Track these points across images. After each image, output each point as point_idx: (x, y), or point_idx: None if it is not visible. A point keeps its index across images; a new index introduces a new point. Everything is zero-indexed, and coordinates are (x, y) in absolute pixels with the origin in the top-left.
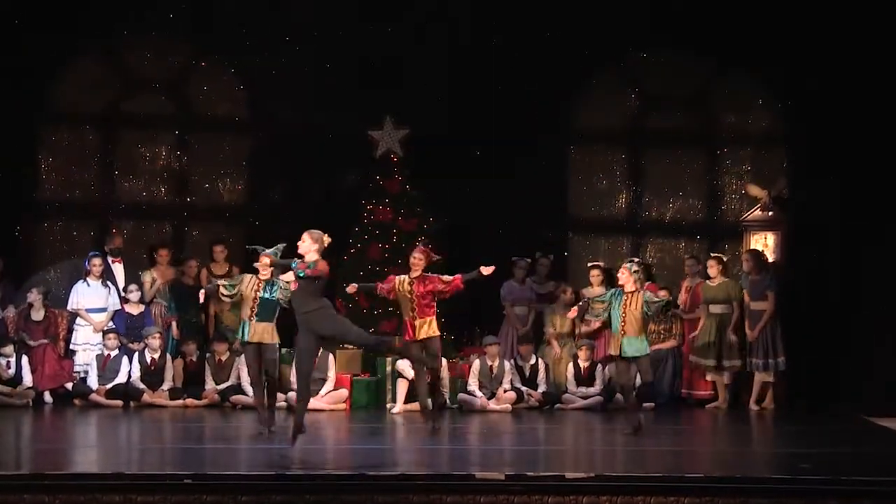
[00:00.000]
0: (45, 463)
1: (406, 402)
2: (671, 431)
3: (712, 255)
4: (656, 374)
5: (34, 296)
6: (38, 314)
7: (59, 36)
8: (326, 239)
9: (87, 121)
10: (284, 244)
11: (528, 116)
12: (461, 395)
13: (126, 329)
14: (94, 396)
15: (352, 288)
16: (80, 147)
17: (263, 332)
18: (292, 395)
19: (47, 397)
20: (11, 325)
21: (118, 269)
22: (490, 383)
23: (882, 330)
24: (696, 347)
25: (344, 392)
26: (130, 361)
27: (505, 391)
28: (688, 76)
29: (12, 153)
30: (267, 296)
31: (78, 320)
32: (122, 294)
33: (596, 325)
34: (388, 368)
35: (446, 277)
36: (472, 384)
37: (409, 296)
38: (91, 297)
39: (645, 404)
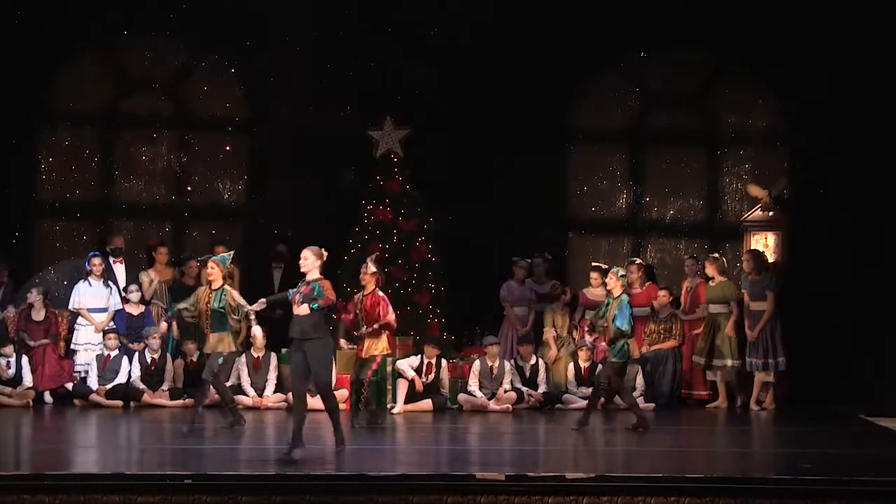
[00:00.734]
0: (45, 463)
1: (406, 402)
2: (671, 432)
3: (709, 255)
4: (656, 375)
5: (34, 296)
6: (38, 314)
7: (59, 36)
8: (325, 253)
9: (87, 121)
10: (233, 251)
11: (528, 116)
12: (461, 396)
13: (126, 329)
14: (94, 397)
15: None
16: (79, 147)
17: (218, 342)
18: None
19: (47, 397)
20: (12, 325)
21: (119, 270)
22: (490, 383)
23: (882, 331)
24: (696, 347)
25: (344, 392)
26: (130, 362)
27: (505, 391)
28: (688, 76)
29: (12, 153)
30: (215, 306)
31: (79, 320)
32: (123, 294)
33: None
34: (389, 368)
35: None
36: (473, 384)
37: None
38: (92, 297)
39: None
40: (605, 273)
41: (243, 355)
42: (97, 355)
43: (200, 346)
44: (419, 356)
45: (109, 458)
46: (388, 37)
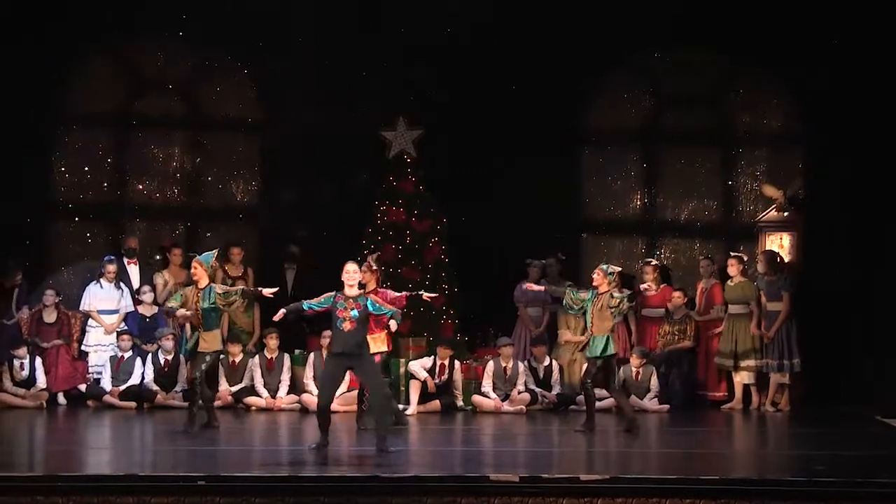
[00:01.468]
0: (59, 464)
1: (420, 403)
2: (686, 433)
3: (732, 254)
4: (670, 376)
5: (47, 298)
6: (50, 316)
7: (72, 37)
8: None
9: (100, 122)
10: (217, 249)
11: (541, 117)
12: (475, 397)
13: (139, 330)
14: (107, 398)
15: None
16: (92, 148)
17: (208, 342)
18: (306, 396)
19: (61, 399)
20: (25, 326)
21: (133, 271)
22: (504, 385)
23: None
24: (718, 349)
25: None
26: (144, 363)
27: (519, 393)
28: (702, 76)
29: (25, 155)
30: (205, 305)
31: (90, 322)
32: (136, 295)
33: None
34: (402, 370)
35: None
36: (486, 385)
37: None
38: (103, 298)
39: (660, 406)
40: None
41: (256, 356)
42: (111, 357)
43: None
44: (432, 357)
45: (123, 460)
46: (400, 37)
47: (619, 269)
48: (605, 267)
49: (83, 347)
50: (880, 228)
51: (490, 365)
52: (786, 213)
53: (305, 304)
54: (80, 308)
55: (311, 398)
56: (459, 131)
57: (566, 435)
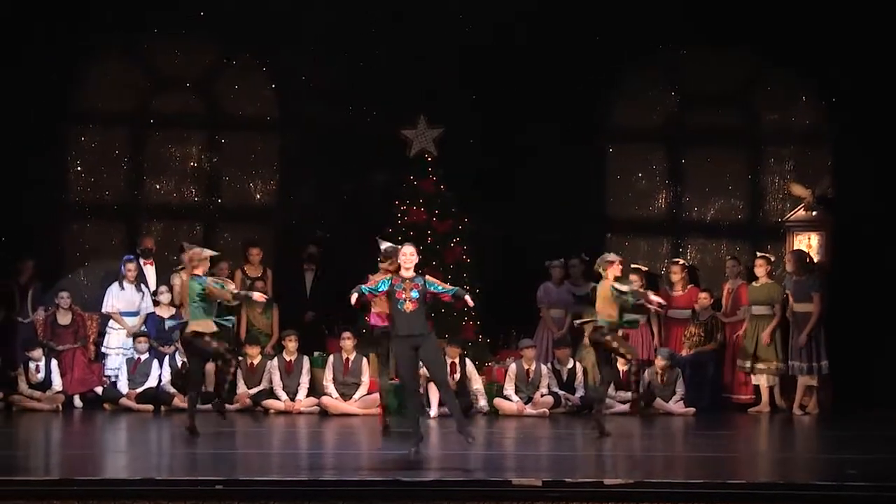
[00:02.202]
0: (75, 468)
1: (440, 406)
2: (712, 436)
3: (759, 254)
4: (696, 378)
5: (60, 300)
6: (65, 318)
7: (88, 35)
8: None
9: (117, 121)
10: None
11: (565, 115)
12: (497, 400)
13: (156, 332)
14: (124, 401)
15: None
16: (109, 147)
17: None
18: (326, 399)
19: (77, 401)
20: (41, 329)
21: (150, 272)
22: (527, 387)
23: None
24: (740, 351)
25: (377, 396)
26: (161, 365)
27: (542, 395)
28: (729, 72)
29: (41, 154)
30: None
31: (110, 323)
32: (153, 297)
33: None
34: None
35: None
36: (509, 388)
37: None
38: (124, 300)
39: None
40: (644, 275)
41: (275, 359)
42: (127, 359)
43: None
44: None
45: (139, 463)
46: (421, 34)
47: (612, 258)
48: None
49: (103, 349)
50: None
51: (512, 367)
52: (814, 213)
53: (364, 288)
54: (103, 310)
55: (331, 401)
56: (481, 129)
57: (590, 438)
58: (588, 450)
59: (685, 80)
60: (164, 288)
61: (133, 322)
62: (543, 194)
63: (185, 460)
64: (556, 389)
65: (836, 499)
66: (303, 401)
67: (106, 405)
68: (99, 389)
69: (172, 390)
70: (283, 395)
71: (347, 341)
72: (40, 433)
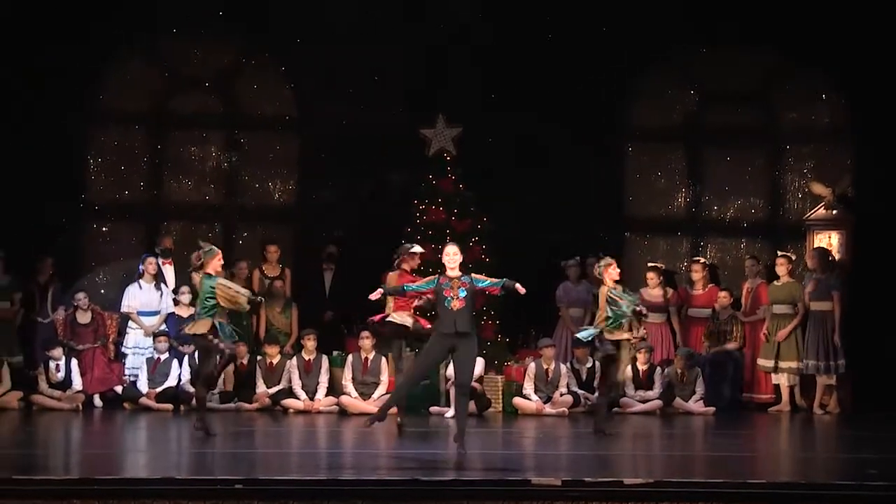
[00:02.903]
0: (95, 467)
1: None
2: (732, 436)
3: (780, 253)
4: (716, 378)
5: (78, 300)
6: (84, 317)
7: (108, 35)
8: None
9: (136, 120)
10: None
11: (584, 114)
12: (516, 399)
13: (176, 332)
14: (143, 400)
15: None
16: (128, 147)
17: (201, 326)
18: (345, 398)
19: (97, 401)
20: (60, 328)
21: (169, 271)
22: (546, 387)
23: None
24: (761, 350)
25: None
26: (181, 365)
27: (561, 395)
28: (748, 71)
29: (61, 154)
30: (204, 289)
31: (130, 323)
32: (173, 296)
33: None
34: (442, 372)
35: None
36: (528, 387)
37: None
38: (143, 299)
39: (706, 408)
40: (662, 273)
41: (294, 358)
42: (147, 358)
43: (253, 346)
44: None
45: (159, 463)
46: (439, 33)
47: (607, 261)
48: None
49: (123, 349)
50: None
51: (531, 366)
52: (834, 211)
53: (408, 287)
54: (121, 310)
55: (350, 400)
56: (500, 129)
57: (610, 438)
58: (608, 449)
59: (704, 78)
60: (185, 288)
61: (152, 322)
62: (562, 194)
63: (205, 460)
64: (575, 389)
65: (856, 499)
66: (322, 400)
67: (126, 404)
68: (119, 389)
69: (192, 390)
70: (302, 395)
71: (366, 341)
72: (60, 433)
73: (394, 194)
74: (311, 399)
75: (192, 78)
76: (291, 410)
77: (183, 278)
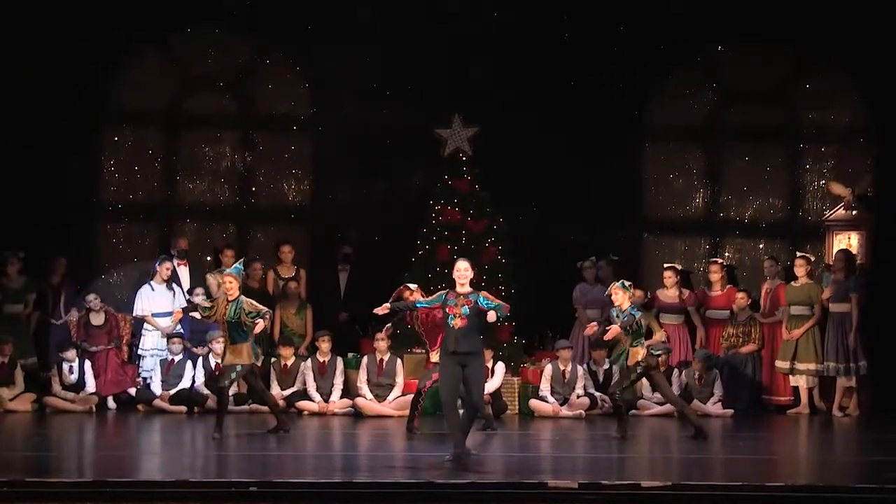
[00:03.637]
0: (108, 470)
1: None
2: (751, 438)
3: (799, 254)
4: (735, 380)
5: (90, 302)
6: (98, 319)
7: (121, 34)
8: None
9: (150, 120)
10: (242, 258)
11: (601, 113)
12: (533, 401)
13: (190, 333)
14: (157, 402)
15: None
16: (142, 147)
17: (236, 355)
18: (360, 400)
19: (110, 403)
20: (74, 330)
21: (183, 272)
22: (562, 388)
23: None
24: (779, 352)
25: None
26: (195, 366)
27: (578, 397)
28: (768, 70)
29: (74, 154)
30: (230, 317)
31: (145, 325)
32: (187, 297)
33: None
34: None
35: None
36: (545, 389)
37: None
38: (157, 301)
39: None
40: (680, 272)
41: (309, 360)
42: (161, 360)
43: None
44: None
45: (173, 465)
46: (456, 32)
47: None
48: (622, 283)
49: (140, 351)
50: None
51: (548, 368)
52: (854, 212)
53: (419, 304)
54: (135, 312)
55: (365, 402)
56: (516, 128)
57: (627, 440)
58: (625, 452)
59: (723, 78)
60: (199, 290)
61: (167, 322)
62: (579, 194)
63: (219, 462)
64: (592, 391)
65: (875, 502)
66: (336, 402)
67: (139, 406)
68: (132, 391)
69: (206, 391)
70: (317, 397)
71: (381, 342)
72: (74, 434)
73: (409, 195)
74: (326, 401)
75: (207, 77)
76: (306, 412)
77: (197, 279)
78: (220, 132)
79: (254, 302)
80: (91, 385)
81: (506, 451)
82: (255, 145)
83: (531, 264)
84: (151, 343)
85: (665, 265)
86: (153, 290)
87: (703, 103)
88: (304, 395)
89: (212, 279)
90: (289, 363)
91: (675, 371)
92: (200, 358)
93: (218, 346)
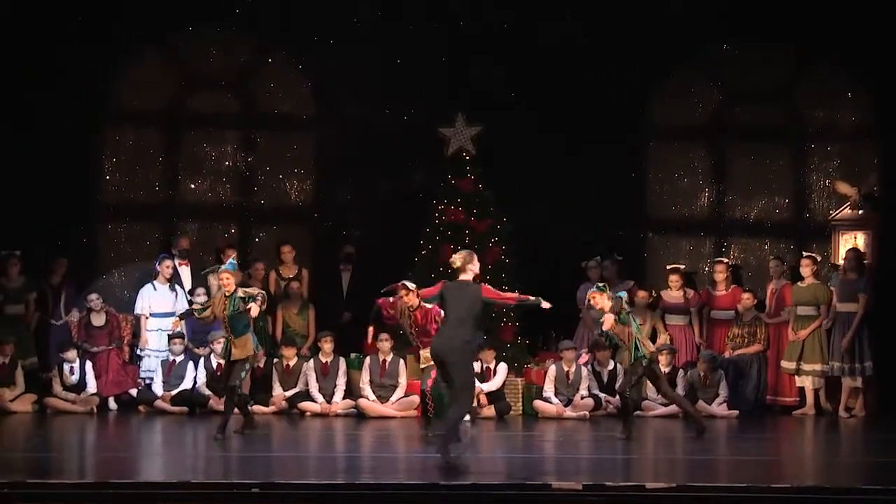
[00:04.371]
0: (110, 471)
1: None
2: (756, 439)
3: (805, 254)
4: (740, 380)
5: (91, 302)
6: (98, 319)
7: (122, 34)
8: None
9: (151, 120)
10: (235, 251)
11: (605, 112)
12: (537, 402)
13: (192, 333)
14: (158, 403)
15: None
16: (143, 147)
17: (241, 348)
18: (363, 401)
19: (112, 404)
20: (75, 330)
21: (185, 272)
22: (566, 389)
23: None
24: (785, 352)
25: (415, 399)
26: (196, 367)
27: (582, 398)
28: (772, 69)
29: (75, 154)
30: (231, 311)
31: (148, 325)
32: (189, 297)
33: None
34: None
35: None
36: (549, 390)
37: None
38: (159, 300)
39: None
40: (685, 274)
41: (311, 360)
42: (162, 361)
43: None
44: (478, 362)
45: (175, 466)
46: (459, 31)
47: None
48: (602, 287)
49: (143, 352)
50: None
51: (552, 369)
52: (860, 211)
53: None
54: (136, 311)
55: (368, 403)
56: (520, 128)
57: (632, 441)
58: (629, 453)
59: (728, 77)
60: (200, 290)
61: (168, 323)
62: (583, 193)
63: (221, 463)
64: (596, 391)
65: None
66: (339, 403)
67: (141, 407)
68: (134, 391)
69: (208, 392)
70: (320, 398)
71: (384, 343)
72: (75, 436)
73: (412, 194)
74: (329, 402)
75: (209, 76)
76: (308, 413)
77: (199, 279)
78: (221, 131)
79: (246, 289)
80: (92, 386)
81: (510, 452)
82: (257, 145)
83: (534, 264)
84: (154, 343)
85: (669, 267)
86: (155, 289)
87: (707, 103)
88: (306, 395)
89: (214, 280)
90: (291, 364)
91: (680, 371)
92: (202, 359)
93: (219, 346)
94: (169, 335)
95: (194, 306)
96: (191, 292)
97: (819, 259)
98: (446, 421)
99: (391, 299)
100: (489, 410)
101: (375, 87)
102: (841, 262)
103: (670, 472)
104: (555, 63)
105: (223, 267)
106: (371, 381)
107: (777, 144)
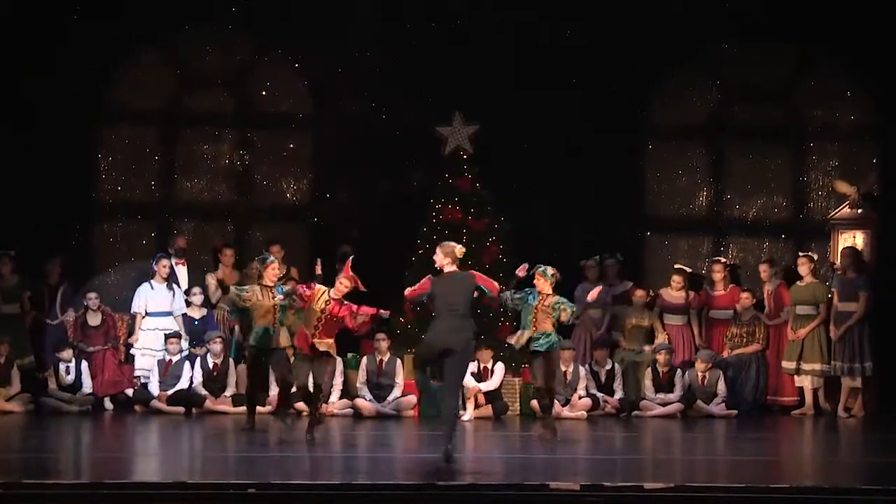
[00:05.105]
0: (105, 471)
1: (476, 408)
2: (754, 439)
3: (802, 254)
4: (738, 380)
5: (89, 301)
6: (94, 319)
7: (120, 33)
8: (459, 250)
9: (147, 119)
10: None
11: (604, 111)
12: (534, 402)
13: (189, 333)
14: (155, 403)
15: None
16: (139, 146)
17: (285, 336)
18: (359, 401)
19: (107, 404)
20: (71, 330)
21: (181, 272)
22: (564, 389)
23: None
24: (784, 351)
25: (412, 398)
26: (192, 367)
27: (580, 398)
28: (772, 68)
29: (71, 152)
30: (283, 303)
31: (143, 323)
32: (186, 297)
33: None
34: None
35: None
36: None
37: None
38: (156, 299)
39: (728, 411)
40: (688, 276)
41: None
42: (158, 360)
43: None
44: (475, 361)
45: (171, 467)
46: (456, 30)
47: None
48: (544, 269)
49: (132, 351)
50: None
51: None
52: (859, 210)
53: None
54: (133, 310)
55: (365, 403)
56: (518, 127)
57: (629, 441)
58: (627, 453)
59: (728, 76)
60: (197, 289)
61: (164, 323)
62: (582, 193)
63: (217, 463)
64: (594, 391)
65: None
66: (336, 403)
67: (137, 407)
68: (130, 391)
69: (204, 392)
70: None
71: (382, 342)
72: (70, 435)
73: (409, 193)
74: (325, 402)
75: (205, 75)
76: (305, 413)
77: (196, 279)
78: (218, 130)
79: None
80: (88, 385)
81: (507, 452)
82: (254, 144)
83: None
84: (150, 342)
85: (675, 267)
86: (152, 288)
87: (706, 102)
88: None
89: (211, 279)
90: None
91: (679, 371)
92: (198, 358)
93: (216, 346)
94: (166, 335)
95: (234, 291)
96: (187, 292)
97: (816, 258)
98: (443, 418)
99: (313, 283)
100: (487, 410)
101: (372, 86)
102: (838, 261)
103: (668, 472)
104: (554, 62)
105: (270, 258)
106: (368, 381)
107: (776, 144)
